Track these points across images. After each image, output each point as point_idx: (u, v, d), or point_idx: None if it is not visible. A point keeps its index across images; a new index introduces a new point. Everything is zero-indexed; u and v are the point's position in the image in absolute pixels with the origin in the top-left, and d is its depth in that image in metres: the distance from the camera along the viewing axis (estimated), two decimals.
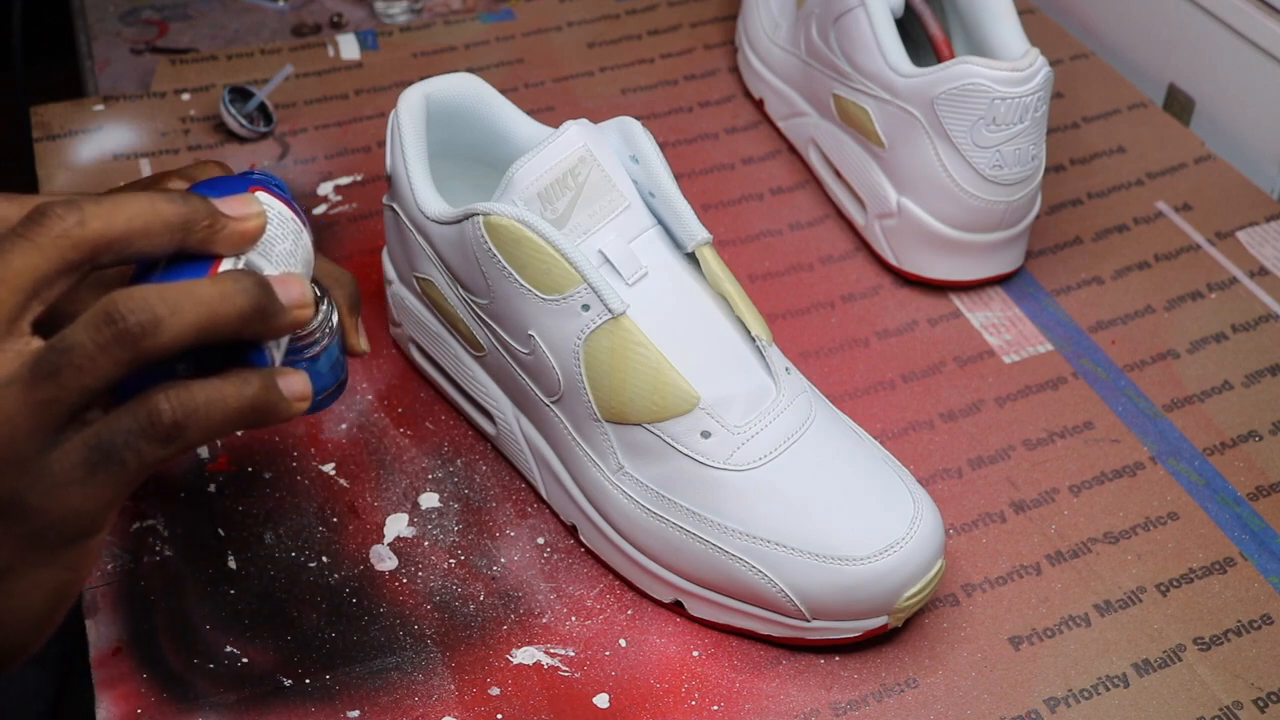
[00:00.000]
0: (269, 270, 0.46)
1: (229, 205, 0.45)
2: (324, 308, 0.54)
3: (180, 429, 0.42)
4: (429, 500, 0.63)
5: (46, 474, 0.41)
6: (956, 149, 0.70)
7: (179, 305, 0.41)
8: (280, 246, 0.48)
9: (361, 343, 0.58)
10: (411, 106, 0.62)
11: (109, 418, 0.42)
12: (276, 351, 0.47)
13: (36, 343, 0.41)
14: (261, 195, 0.48)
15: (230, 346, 0.45)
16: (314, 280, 0.55)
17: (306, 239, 0.50)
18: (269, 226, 0.47)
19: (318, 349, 0.53)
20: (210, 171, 0.54)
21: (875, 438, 0.60)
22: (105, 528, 0.43)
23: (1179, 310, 0.74)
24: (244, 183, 0.48)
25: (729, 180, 0.82)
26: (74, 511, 0.41)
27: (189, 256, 0.45)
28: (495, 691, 0.55)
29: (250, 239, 0.45)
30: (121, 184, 0.57)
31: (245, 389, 0.44)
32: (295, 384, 0.46)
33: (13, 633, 0.43)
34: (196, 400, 0.42)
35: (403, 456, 0.65)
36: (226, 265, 0.45)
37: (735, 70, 0.91)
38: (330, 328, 0.54)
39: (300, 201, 0.79)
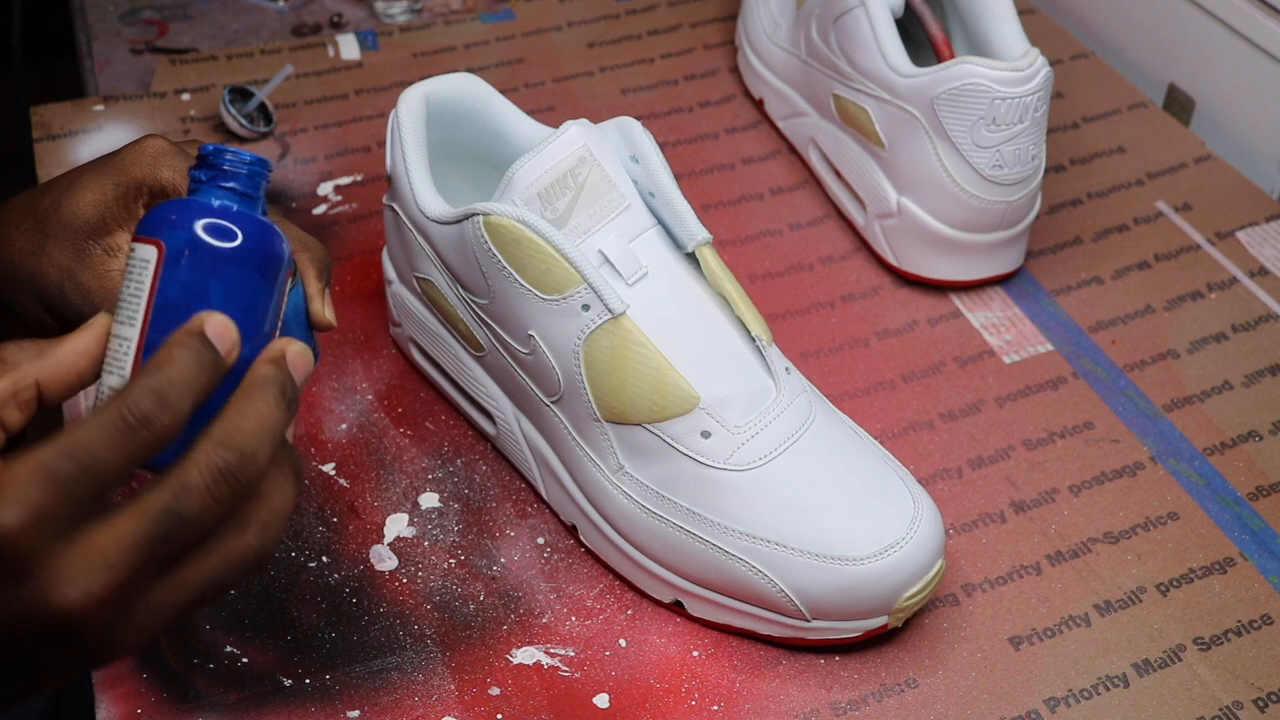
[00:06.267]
0: (128, 330, 0.43)
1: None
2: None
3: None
4: (429, 500, 0.63)
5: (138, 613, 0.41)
6: (956, 149, 0.70)
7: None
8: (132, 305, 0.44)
9: (327, 313, 0.54)
10: (411, 106, 0.63)
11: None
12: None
13: None
14: (136, 247, 0.44)
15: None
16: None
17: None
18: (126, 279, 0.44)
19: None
20: (193, 152, 0.54)
21: (875, 438, 0.60)
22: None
23: (1179, 310, 0.74)
24: (202, 208, 0.44)
25: (729, 180, 0.82)
26: (134, 648, 0.42)
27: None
28: (495, 691, 0.55)
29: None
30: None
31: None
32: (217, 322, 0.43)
33: None
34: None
35: (403, 456, 0.65)
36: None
37: (735, 70, 0.91)
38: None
39: (300, 201, 0.79)
